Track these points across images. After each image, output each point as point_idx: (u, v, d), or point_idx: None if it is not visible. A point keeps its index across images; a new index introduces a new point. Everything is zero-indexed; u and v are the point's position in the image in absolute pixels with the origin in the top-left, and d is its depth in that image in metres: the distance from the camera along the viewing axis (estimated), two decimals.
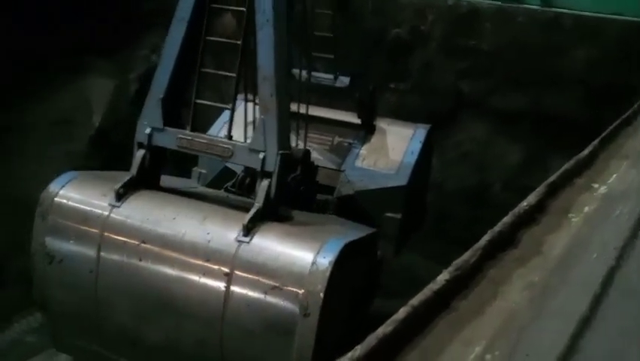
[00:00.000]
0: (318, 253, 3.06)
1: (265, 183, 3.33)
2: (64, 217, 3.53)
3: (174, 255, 3.28)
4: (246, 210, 3.34)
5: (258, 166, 3.35)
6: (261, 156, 3.33)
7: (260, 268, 3.11)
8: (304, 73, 4.58)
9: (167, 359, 3.43)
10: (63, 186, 3.59)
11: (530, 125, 7.13)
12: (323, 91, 5.13)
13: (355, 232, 3.56)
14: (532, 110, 7.06)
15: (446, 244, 7.54)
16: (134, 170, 3.58)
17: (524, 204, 2.39)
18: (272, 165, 3.32)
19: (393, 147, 5.15)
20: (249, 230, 3.21)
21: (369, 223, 4.46)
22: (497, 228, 2.17)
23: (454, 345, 1.62)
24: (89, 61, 7.75)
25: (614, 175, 2.89)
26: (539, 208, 2.41)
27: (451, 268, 1.85)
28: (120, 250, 3.37)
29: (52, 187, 3.60)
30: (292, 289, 3.02)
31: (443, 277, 1.80)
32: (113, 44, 7.91)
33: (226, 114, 4.73)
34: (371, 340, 1.46)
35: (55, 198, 3.55)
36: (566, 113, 6.83)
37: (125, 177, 3.55)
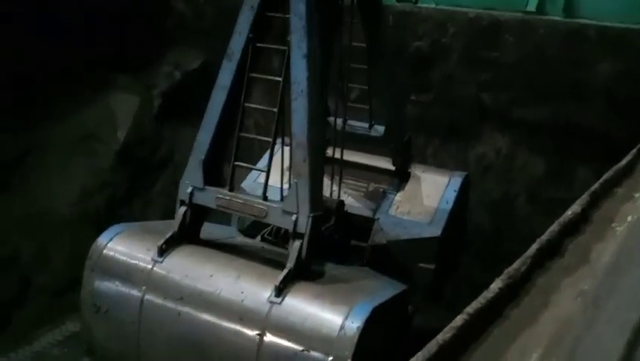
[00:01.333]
0: (346, 317, 3.19)
1: (297, 244, 3.49)
2: (111, 270, 3.79)
3: (210, 312, 3.47)
4: (280, 265, 3.51)
5: (290, 227, 3.51)
6: (294, 218, 3.49)
7: (290, 330, 3.26)
8: (339, 122, 4.74)
9: None
10: (111, 240, 3.86)
11: (554, 137, 7.01)
12: (358, 140, 5.20)
13: (385, 292, 3.66)
14: (555, 122, 6.95)
15: (471, 257, 7.52)
16: (175, 226, 3.81)
17: (569, 213, 2.38)
18: (303, 227, 3.48)
19: (428, 196, 5.18)
20: (280, 291, 3.37)
21: (403, 273, 4.60)
22: (545, 237, 2.16)
23: (510, 353, 1.63)
24: (113, 76, 7.95)
25: None
26: (583, 218, 2.40)
27: (503, 277, 1.85)
28: (161, 305, 3.59)
29: (101, 240, 3.88)
30: (320, 354, 3.14)
31: (496, 285, 1.81)
32: (136, 60, 8.11)
33: (266, 158, 5.09)
34: (432, 346, 1.49)
35: (103, 252, 3.82)
36: (589, 124, 6.70)
37: (168, 232, 3.77)
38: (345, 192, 4.86)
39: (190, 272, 3.61)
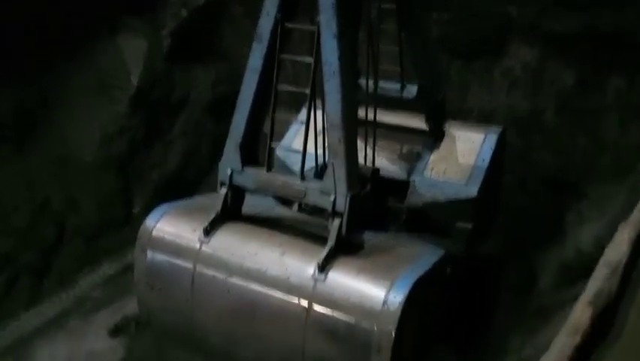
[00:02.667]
0: (389, 291, 3.31)
1: (337, 222, 3.58)
2: (161, 251, 3.99)
3: (258, 288, 3.65)
4: (321, 239, 3.63)
5: (329, 207, 3.59)
6: (332, 198, 3.57)
7: (335, 305, 3.41)
8: (371, 84, 4.64)
9: None
10: (158, 221, 4.05)
11: (584, 48, 6.71)
12: (390, 102, 5.10)
13: (425, 261, 3.74)
14: (585, 32, 6.62)
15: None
16: (218, 207, 3.95)
17: None
18: (342, 206, 3.56)
19: (463, 155, 5.08)
20: (323, 268, 3.50)
21: (440, 233, 4.71)
22: None
23: None
24: (122, 20, 7.76)
25: None
26: None
27: None
28: (210, 282, 3.80)
29: (149, 222, 4.07)
30: (365, 326, 3.29)
31: None
32: (142, 2, 7.82)
33: (296, 123, 5.16)
34: (636, 220, 1.55)
35: (153, 233, 4.02)
36: (622, 33, 6.42)
37: (211, 211, 3.93)
38: (379, 155, 4.80)
39: (236, 250, 3.78)
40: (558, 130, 7.10)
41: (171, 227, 4.01)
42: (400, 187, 4.97)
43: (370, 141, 4.65)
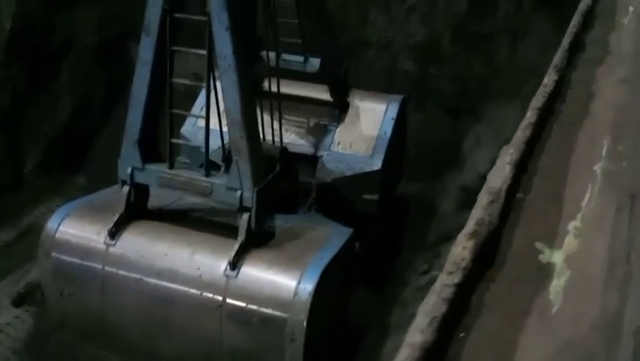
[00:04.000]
0: (299, 282, 3.42)
1: (245, 217, 3.59)
2: (66, 256, 3.85)
3: (172, 287, 3.65)
4: (232, 230, 3.63)
5: (236, 203, 3.58)
6: (238, 194, 3.55)
7: (249, 299, 3.49)
8: (272, 57, 4.54)
9: None
10: (59, 225, 3.88)
11: None
12: (294, 75, 5.06)
13: (333, 244, 3.86)
14: None
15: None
16: (121, 206, 3.82)
17: (583, 5, 2.43)
18: (249, 202, 3.56)
19: (367, 127, 5.27)
20: (235, 264, 3.54)
21: (348, 206, 4.92)
22: (571, 29, 2.25)
23: (580, 144, 1.75)
24: None
25: None
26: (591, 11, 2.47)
27: (551, 70, 1.98)
28: (123, 285, 3.75)
29: (50, 226, 3.90)
30: (278, 317, 3.41)
31: (550, 78, 1.93)
32: None
33: (202, 97, 4.78)
34: (519, 142, 1.64)
35: (56, 236, 3.86)
36: None
37: (116, 210, 3.81)
38: (286, 130, 4.87)
39: (145, 252, 3.73)
40: (454, 57, 7.27)
41: (75, 230, 3.87)
42: (309, 161, 5.12)
43: (276, 115, 4.63)
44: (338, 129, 5.30)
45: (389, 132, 5.22)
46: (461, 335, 1.51)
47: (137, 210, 3.90)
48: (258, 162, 3.65)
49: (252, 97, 3.77)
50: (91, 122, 7.82)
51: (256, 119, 3.80)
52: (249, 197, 3.54)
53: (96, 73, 7.83)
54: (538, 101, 1.74)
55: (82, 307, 3.89)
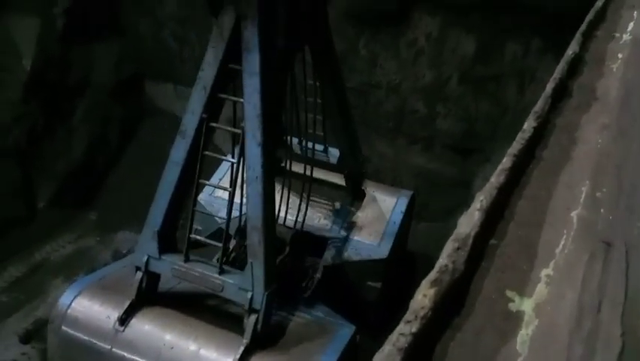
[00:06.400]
0: None
1: (252, 318, 3.71)
2: (75, 338, 3.96)
3: None
4: (240, 324, 3.72)
5: (246, 304, 3.70)
6: (249, 295, 3.69)
7: None
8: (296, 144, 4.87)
9: None
10: (71, 303, 4.00)
11: (483, 14, 6.95)
12: (315, 163, 5.29)
13: (337, 346, 3.97)
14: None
15: (407, 143, 7.71)
16: (133, 292, 3.96)
17: (569, 52, 2.41)
18: (259, 304, 3.69)
19: (378, 216, 5.54)
20: None
21: (352, 290, 5.17)
22: (557, 75, 2.21)
23: (559, 190, 1.73)
24: None
25: (631, 23, 2.93)
26: (579, 57, 2.44)
27: (531, 117, 1.95)
28: None
29: (63, 302, 4.02)
30: None
31: (529, 125, 1.90)
32: None
33: (225, 165, 5.18)
34: (492, 188, 1.61)
35: (67, 312, 3.98)
36: None
37: (127, 296, 3.94)
38: (301, 210, 5.04)
39: (152, 342, 3.85)
40: (461, 97, 7.31)
41: (85, 314, 3.99)
42: (318, 242, 5.29)
43: (294, 196, 4.86)
44: (350, 215, 5.55)
45: (397, 225, 5.47)
46: None
47: (148, 297, 4.03)
48: (271, 267, 3.80)
49: (273, 204, 3.94)
50: (104, 159, 7.95)
51: (274, 227, 3.97)
52: (259, 300, 3.68)
53: (111, 111, 8.03)
54: (514, 147, 1.74)
55: None
